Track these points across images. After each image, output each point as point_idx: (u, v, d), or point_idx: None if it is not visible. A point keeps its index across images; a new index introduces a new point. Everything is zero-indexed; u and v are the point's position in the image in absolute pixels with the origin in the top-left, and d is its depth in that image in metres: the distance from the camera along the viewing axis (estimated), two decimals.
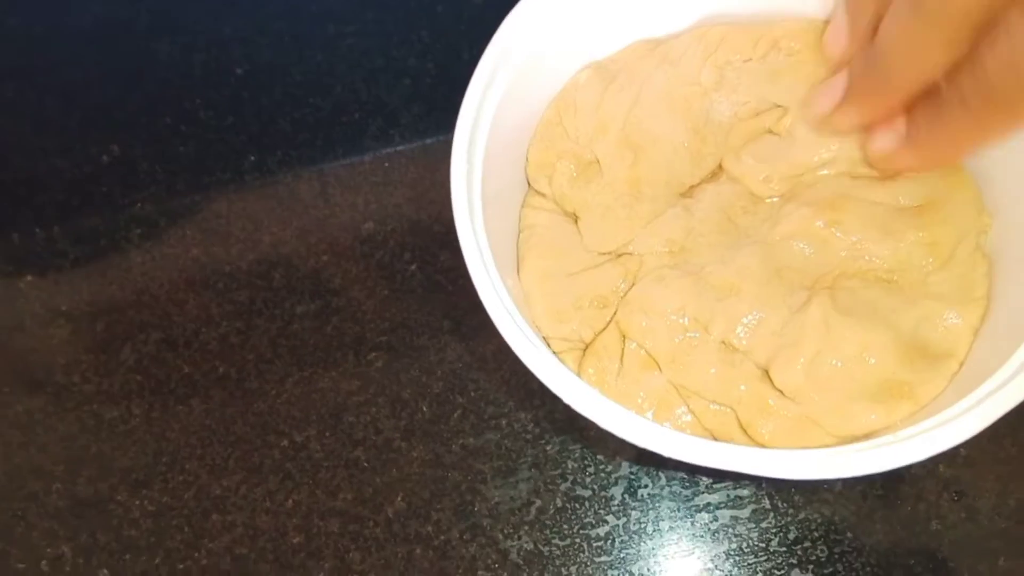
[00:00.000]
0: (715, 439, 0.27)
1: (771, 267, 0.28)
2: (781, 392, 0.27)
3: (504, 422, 0.35)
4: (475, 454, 0.34)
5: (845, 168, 0.30)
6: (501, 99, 0.29)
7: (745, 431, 0.27)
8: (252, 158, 0.40)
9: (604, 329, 0.30)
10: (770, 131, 0.31)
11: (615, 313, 0.29)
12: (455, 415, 0.35)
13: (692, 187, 0.31)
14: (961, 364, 0.26)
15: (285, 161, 0.39)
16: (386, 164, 0.39)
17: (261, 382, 0.36)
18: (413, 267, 0.37)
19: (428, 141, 0.39)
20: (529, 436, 0.34)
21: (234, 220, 0.39)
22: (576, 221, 0.31)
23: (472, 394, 0.35)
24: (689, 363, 0.28)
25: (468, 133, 0.28)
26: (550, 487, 0.34)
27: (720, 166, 0.31)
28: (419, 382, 0.35)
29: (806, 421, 0.26)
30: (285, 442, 0.35)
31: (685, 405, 0.28)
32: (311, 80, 0.41)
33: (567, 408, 0.33)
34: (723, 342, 0.28)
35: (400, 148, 0.39)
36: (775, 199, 0.30)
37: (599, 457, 0.34)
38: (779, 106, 0.31)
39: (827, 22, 0.31)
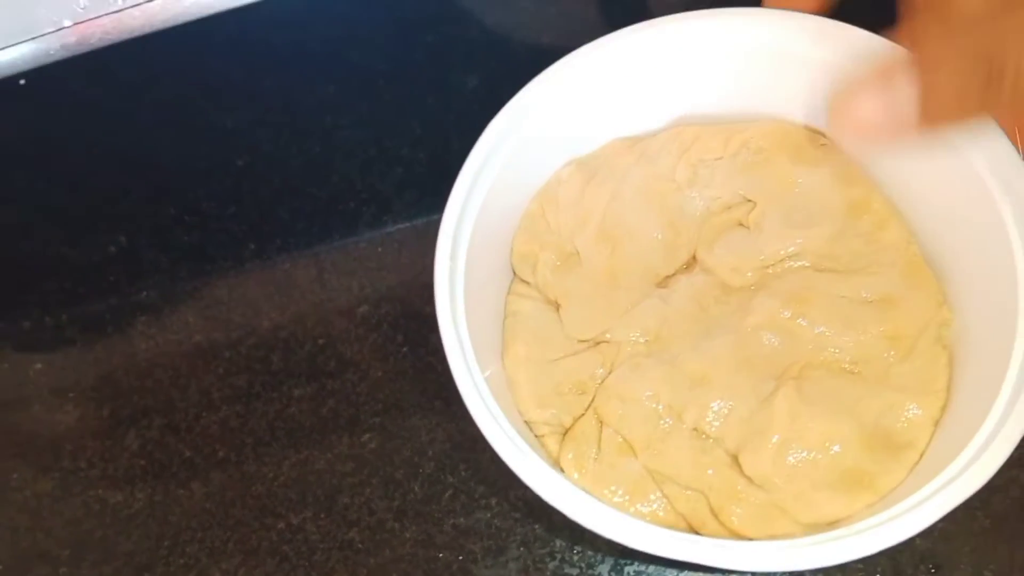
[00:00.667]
0: (688, 523, 0.28)
1: (741, 356, 0.29)
2: (750, 479, 0.28)
3: (494, 501, 0.36)
4: (466, 534, 0.35)
5: (811, 261, 0.31)
6: (488, 192, 0.31)
7: (716, 516, 0.28)
8: (252, 246, 0.41)
9: (583, 415, 0.31)
10: (740, 224, 0.32)
11: (593, 399, 0.31)
12: (446, 495, 0.36)
13: (667, 277, 0.33)
14: (921, 454, 0.27)
15: (284, 248, 0.41)
16: (379, 248, 0.41)
17: (259, 465, 0.37)
18: (405, 349, 0.38)
19: (419, 224, 0.41)
20: (518, 515, 0.35)
21: (234, 306, 0.40)
22: (558, 309, 0.33)
23: (463, 474, 0.36)
24: (663, 449, 0.29)
25: (454, 225, 0.30)
26: (539, 566, 0.34)
27: (694, 257, 0.33)
28: (411, 462, 0.36)
29: (773, 508, 0.27)
30: (282, 524, 0.36)
31: (659, 490, 0.29)
32: (308, 170, 0.43)
33: None
34: (695, 429, 0.29)
35: (392, 232, 0.41)
36: (746, 290, 0.31)
37: (586, 535, 0.34)
38: (749, 200, 0.33)
39: (791, 123, 0.33)
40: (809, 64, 0.30)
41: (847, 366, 0.29)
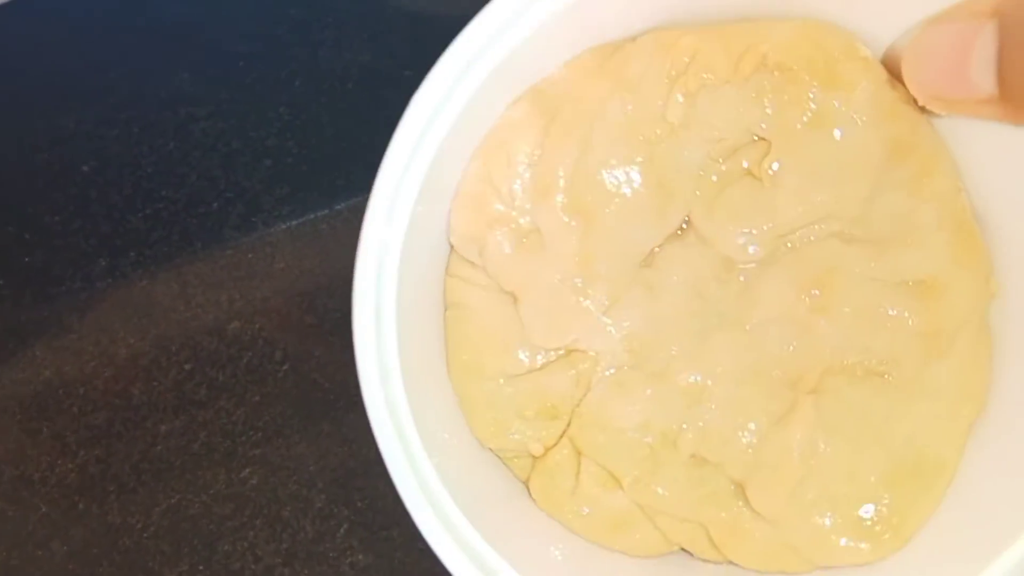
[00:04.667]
0: (684, 550, 0.25)
1: (747, 361, 0.24)
2: (758, 513, 0.24)
3: (395, 532, 0.31)
4: (366, 572, 0.31)
5: (838, 227, 0.24)
6: (434, 158, 0.23)
7: (718, 549, 0.24)
8: (103, 262, 0.36)
9: (556, 444, 0.26)
10: (750, 174, 0.25)
11: (569, 425, 0.25)
12: (341, 531, 0.31)
13: (655, 249, 0.26)
14: (953, 474, 0.23)
15: (139, 262, 0.36)
16: (249, 255, 0.36)
17: (125, 515, 0.32)
18: (285, 367, 0.34)
19: (293, 224, 0.36)
20: (423, 546, 0.31)
21: (87, 334, 0.35)
22: (515, 301, 0.26)
23: (358, 504, 0.32)
24: (655, 481, 0.24)
25: (386, 208, 0.23)
26: None
27: (688, 220, 0.25)
28: (299, 497, 0.32)
29: (785, 548, 0.24)
30: None
31: (651, 522, 0.25)
32: (163, 171, 0.37)
33: None
34: (693, 455, 0.24)
35: (263, 235, 0.36)
36: (754, 265, 0.25)
37: None
38: (763, 139, 0.25)
39: (821, 22, 0.24)
40: None
41: (874, 367, 0.24)
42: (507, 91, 0.25)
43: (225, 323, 0.35)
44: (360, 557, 0.31)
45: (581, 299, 0.25)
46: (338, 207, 0.36)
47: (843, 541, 0.23)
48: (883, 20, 0.24)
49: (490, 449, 0.26)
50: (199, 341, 0.34)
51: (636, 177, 0.25)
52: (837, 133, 0.24)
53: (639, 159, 0.25)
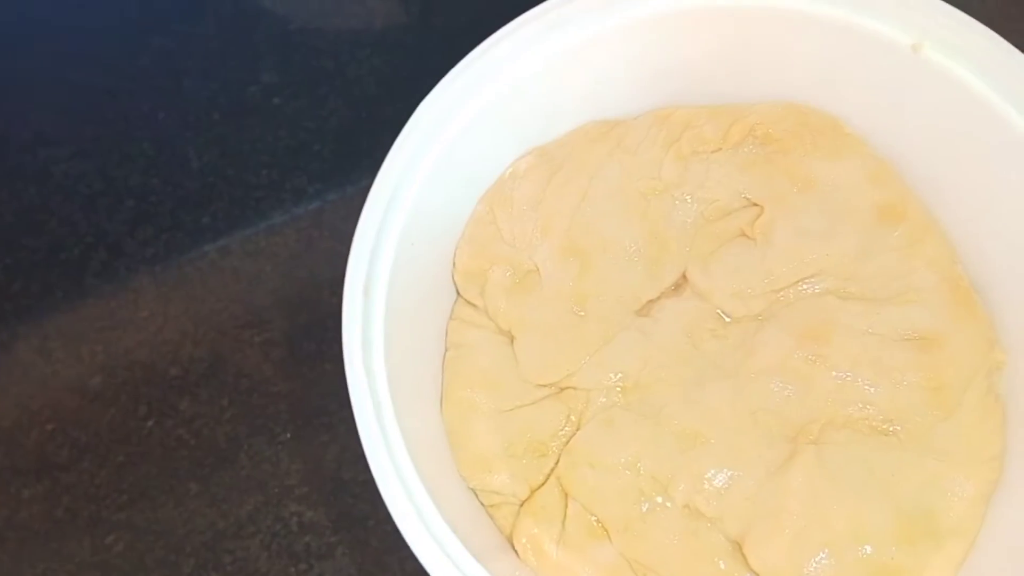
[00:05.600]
0: None
1: (744, 410, 0.23)
2: (756, 574, 0.22)
3: None
4: None
5: (832, 284, 0.25)
6: (420, 190, 0.24)
7: None
8: None
9: (543, 484, 0.24)
10: (743, 234, 0.26)
11: (557, 464, 0.24)
12: None
13: (650, 302, 0.26)
14: (971, 544, 0.22)
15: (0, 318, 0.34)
16: (112, 303, 0.34)
17: None
18: (150, 423, 0.32)
19: (158, 269, 0.34)
20: None
21: None
22: (512, 342, 0.26)
23: (228, 567, 0.30)
24: (645, 532, 0.23)
25: (370, 244, 0.23)
26: None
27: (684, 276, 0.26)
28: (167, 562, 0.30)
29: None
30: None
31: None
32: (23, 219, 0.35)
33: (337, 574, 0.29)
34: (687, 506, 0.23)
35: (126, 282, 0.34)
36: (749, 320, 0.25)
37: None
38: (754, 204, 0.26)
39: (807, 105, 0.26)
40: (832, 28, 0.24)
41: (879, 424, 0.23)
42: (511, 148, 0.27)
43: (87, 378, 0.33)
44: None
45: (575, 337, 0.25)
46: (205, 248, 0.34)
47: None
48: (870, 110, 0.25)
49: (473, 491, 0.25)
50: (60, 399, 0.33)
51: (631, 226, 0.26)
52: (826, 199, 0.25)
53: (634, 210, 0.26)
